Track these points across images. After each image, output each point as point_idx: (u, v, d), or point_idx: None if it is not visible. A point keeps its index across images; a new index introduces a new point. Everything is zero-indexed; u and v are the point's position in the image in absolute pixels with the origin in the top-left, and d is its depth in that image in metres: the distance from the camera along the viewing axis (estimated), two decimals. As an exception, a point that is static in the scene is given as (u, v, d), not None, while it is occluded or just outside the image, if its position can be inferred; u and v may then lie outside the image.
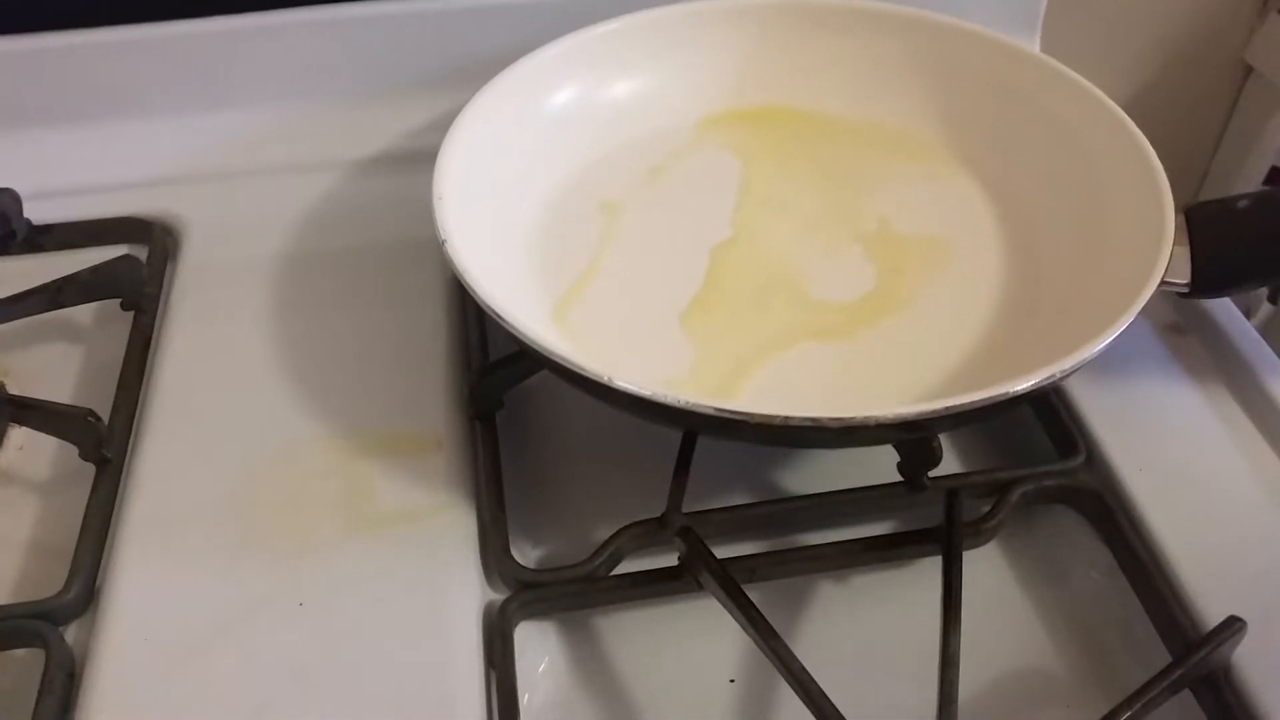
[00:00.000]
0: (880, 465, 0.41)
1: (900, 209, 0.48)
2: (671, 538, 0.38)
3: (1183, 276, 0.40)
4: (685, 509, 0.39)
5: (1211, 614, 0.36)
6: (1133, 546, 0.39)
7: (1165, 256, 0.38)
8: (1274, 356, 0.44)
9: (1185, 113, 0.81)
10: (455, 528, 0.39)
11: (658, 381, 0.35)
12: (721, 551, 0.39)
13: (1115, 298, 0.37)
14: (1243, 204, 0.42)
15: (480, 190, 0.44)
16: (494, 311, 0.36)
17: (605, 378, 0.34)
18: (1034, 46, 0.62)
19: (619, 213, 0.48)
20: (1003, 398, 0.34)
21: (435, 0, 0.53)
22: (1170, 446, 0.42)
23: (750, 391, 0.40)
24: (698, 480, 0.41)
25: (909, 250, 0.46)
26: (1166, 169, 0.86)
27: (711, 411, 0.34)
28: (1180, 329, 0.47)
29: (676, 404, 0.34)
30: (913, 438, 0.38)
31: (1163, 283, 0.38)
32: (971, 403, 0.33)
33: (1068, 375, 0.35)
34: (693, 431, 0.40)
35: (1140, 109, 0.79)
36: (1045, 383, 0.34)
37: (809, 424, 0.33)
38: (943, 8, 0.59)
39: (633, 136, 0.51)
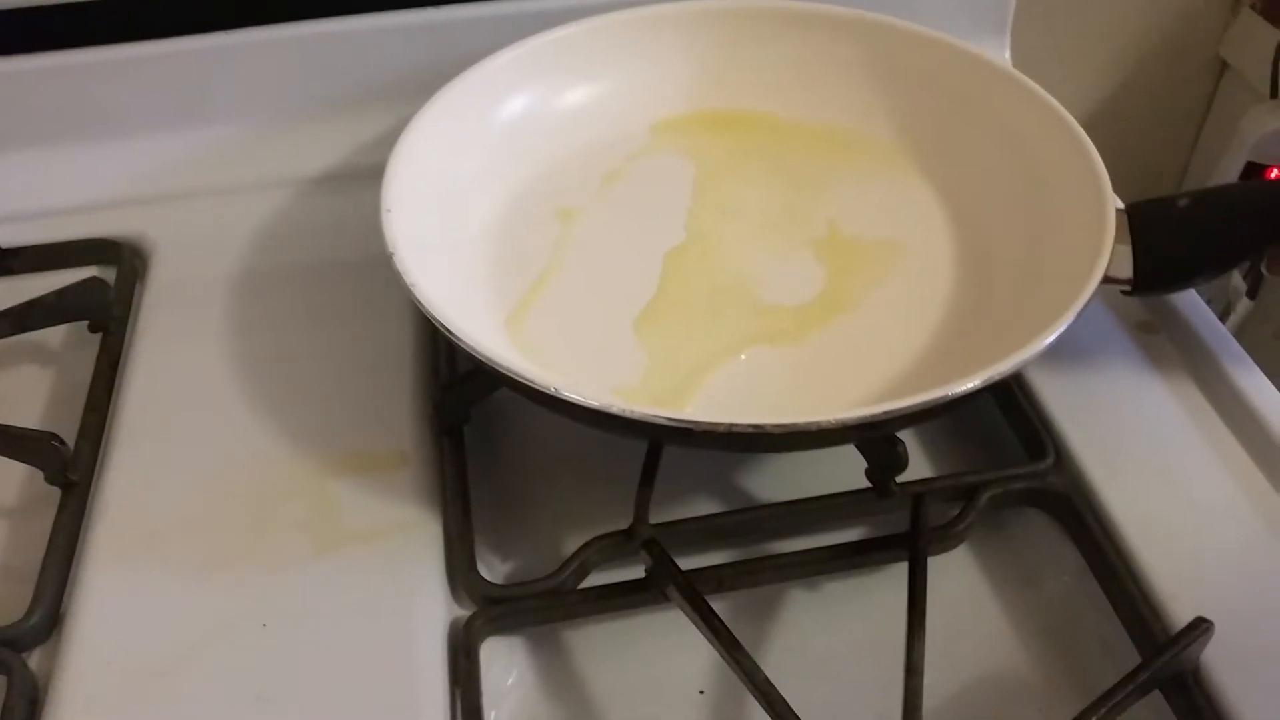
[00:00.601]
0: (851, 470, 0.40)
1: (852, 212, 0.48)
2: (638, 550, 0.37)
3: (1125, 274, 0.40)
4: (654, 519, 0.39)
5: (1181, 615, 0.36)
6: (1102, 548, 0.39)
7: (1105, 256, 0.38)
8: (1244, 354, 0.44)
9: (1163, 109, 0.82)
10: (421, 544, 0.39)
11: (610, 389, 0.35)
12: (690, 561, 0.39)
13: (1060, 296, 0.37)
14: (1183, 203, 0.42)
15: (430, 201, 0.44)
16: (439, 322, 0.36)
17: (552, 388, 0.34)
18: (1004, 48, 0.63)
19: (574, 219, 0.48)
20: (942, 400, 0.34)
21: (397, 15, 0.53)
22: (1140, 447, 0.42)
23: (701, 398, 0.40)
24: (666, 490, 0.41)
25: (859, 253, 0.46)
26: (1145, 164, 0.87)
27: (658, 420, 0.34)
28: (1151, 327, 0.47)
29: (622, 414, 0.34)
30: (863, 439, 0.37)
31: (1105, 280, 0.38)
32: (912, 406, 0.33)
33: (1006, 376, 0.35)
34: (649, 440, 0.40)
35: (1117, 106, 0.81)
36: (984, 384, 0.34)
37: (753, 430, 0.33)
38: (910, 10, 0.59)
39: (588, 142, 0.51)
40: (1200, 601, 0.36)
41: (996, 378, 0.34)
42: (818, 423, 0.33)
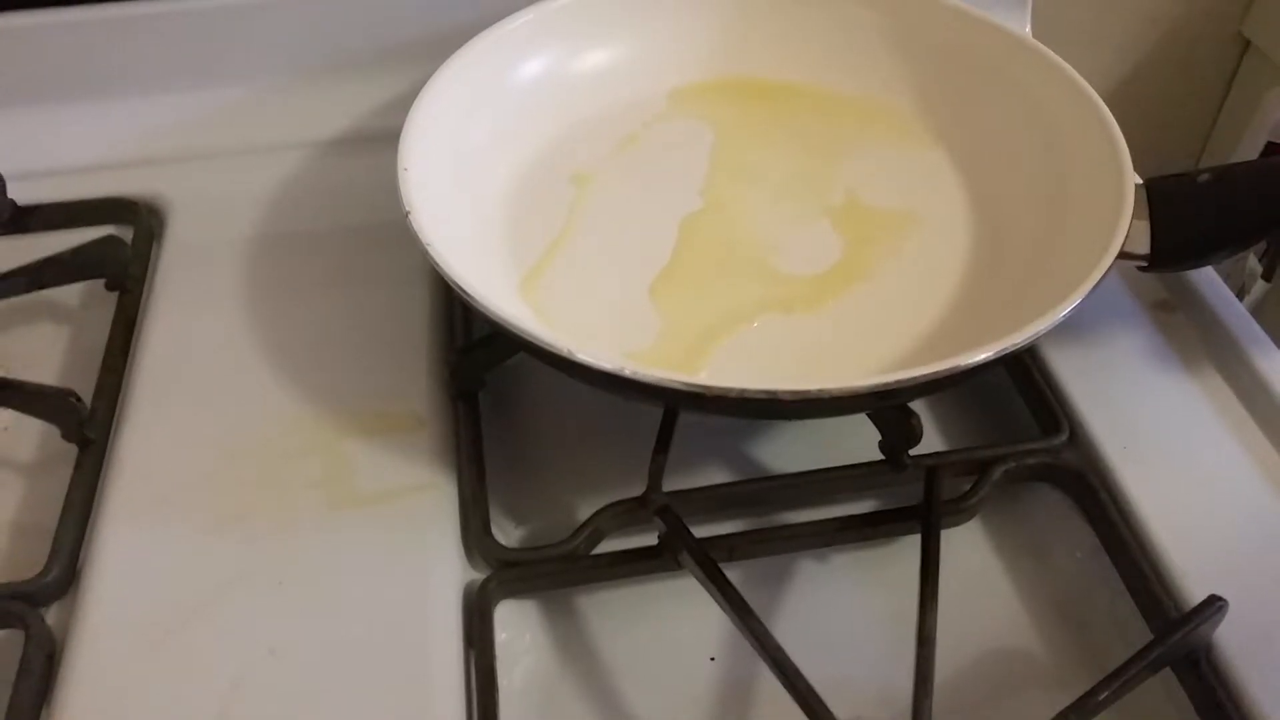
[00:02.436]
0: (864, 442, 0.40)
1: (869, 181, 0.48)
2: (651, 517, 0.38)
3: (1142, 249, 0.40)
4: (667, 488, 0.39)
5: (1194, 593, 0.36)
6: (1115, 525, 0.39)
7: (1123, 230, 0.38)
8: (1262, 334, 0.44)
9: (1183, 87, 0.81)
10: (436, 507, 0.39)
11: (623, 353, 0.34)
12: (702, 530, 0.39)
13: (1075, 270, 0.37)
14: (1204, 178, 0.41)
15: (447, 162, 0.44)
16: (455, 283, 0.36)
17: (565, 351, 0.34)
18: (1024, 22, 0.62)
19: (589, 183, 0.48)
20: (954, 371, 0.34)
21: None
22: (1155, 424, 0.42)
23: (714, 363, 0.40)
24: (680, 458, 0.41)
25: (876, 222, 0.46)
26: (1164, 141, 0.86)
27: (671, 384, 0.33)
28: (1169, 305, 0.46)
29: (634, 377, 0.34)
30: (877, 410, 0.37)
31: (1122, 256, 0.38)
32: (923, 376, 0.33)
33: (1020, 349, 0.35)
34: (664, 406, 0.40)
35: (1137, 83, 0.80)
36: (997, 355, 0.34)
37: (765, 396, 0.33)
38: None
39: (605, 106, 0.51)
40: (1214, 580, 0.36)
41: (1009, 350, 0.34)
42: (830, 390, 0.33)
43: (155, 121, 0.54)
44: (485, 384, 0.44)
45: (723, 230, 0.46)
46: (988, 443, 0.42)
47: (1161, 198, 0.41)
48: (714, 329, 0.41)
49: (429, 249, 0.37)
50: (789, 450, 0.44)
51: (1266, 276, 0.71)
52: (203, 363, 0.44)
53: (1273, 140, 0.69)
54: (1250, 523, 0.39)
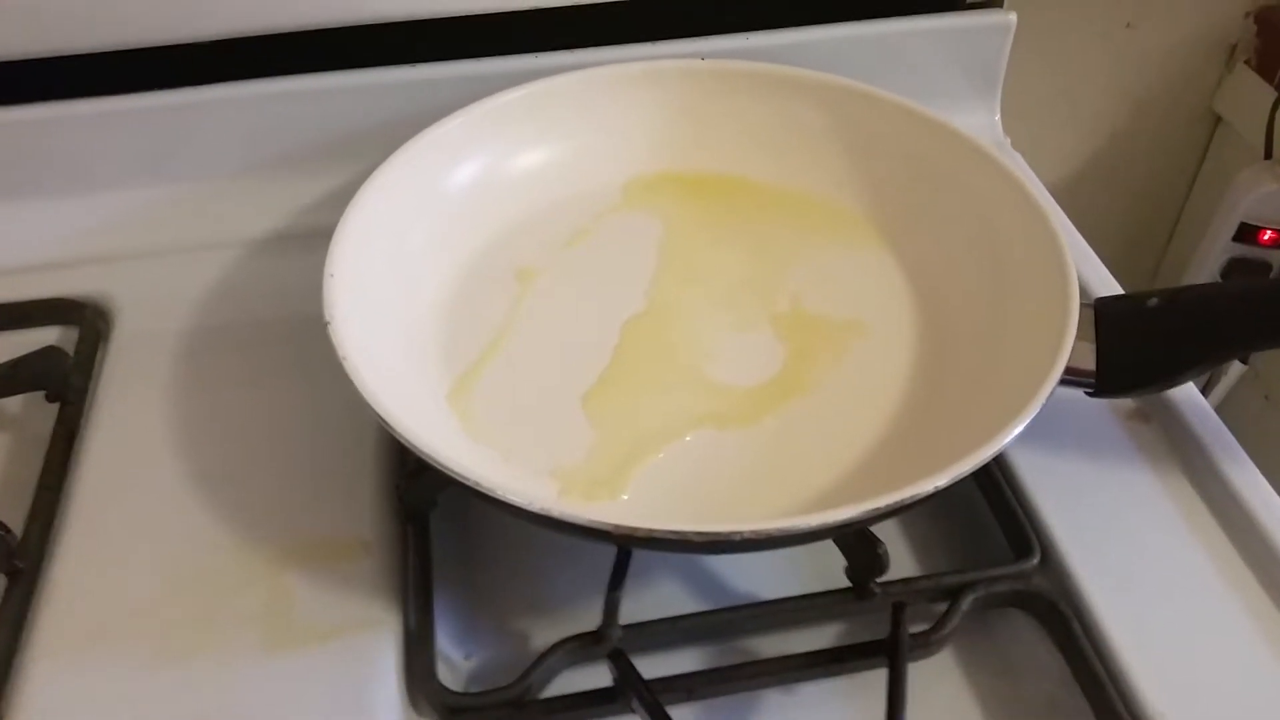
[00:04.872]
0: (840, 560, 0.39)
1: (816, 286, 0.47)
2: (604, 657, 0.36)
3: (1088, 374, 0.39)
4: (629, 616, 0.38)
5: (1169, 733, 0.35)
6: (1086, 657, 0.37)
7: (1063, 357, 0.37)
8: (1239, 448, 0.43)
9: (1157, 161, 0.81)
10: (379, 645, 0.37)
11: (551, 470, 0.33)
12: (663, 664, 0.38)
13: (1016, 395, 0.35)
14: (1152, 302, 0.40)
15: (379, 267, 0.43)
16: (365, 397, 0.35)
17: (471, 479, 0.33)
18: (994, 109, 0.61)
19: (534, 280, 0.47)
20: (869, 514, 0.32)
21: (357, 74, 0.52)
22: (1130, 547, 0.40)
23: (639, 484, 0.39)
24: (642, 586, 0.39)
25: (820, 331, 0.45)
26: (1137, 218, 0.85)
27: (577, 521, 0.32)
28: (1143, 415, 0.45)
29: (534, 510, 0.32)
30: (803, 543, 0.36)
31: (1068, 379, 0.37)
32: (835, 521, 0.32)
33: (941, 490, 0.33)
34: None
35: (1111, 158, 0.80)
36: (913, 499, 0.32)
37: (674, 537, 0.32)
38: (901, 69, 0.58)
39: (558, 198, 0.50)
40: (1187, 718, 0.35)
41: (931, 491, 0.33)
42: (741, 532, 0.31)
43: (101, 219, 0.53)
44: (437, 503, 0.42)
45: (664, 335, 0.45)
46: (957, 568, 0.40)
47: (1109, 321, 0.40)
48: (644, 444, 0.40)
49: (345, 362, 0.36)
50: (760, 570, 0.42)
51: (1243, 359, 0.70)
52: (143, 483, 0.43)
53: (1246, 221, 0.68)
54: (1227, 655, 0.37)
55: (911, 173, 0.49)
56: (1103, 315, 0.40)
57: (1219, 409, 0.74)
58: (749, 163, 0.52)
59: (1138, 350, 0.40)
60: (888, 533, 0.44)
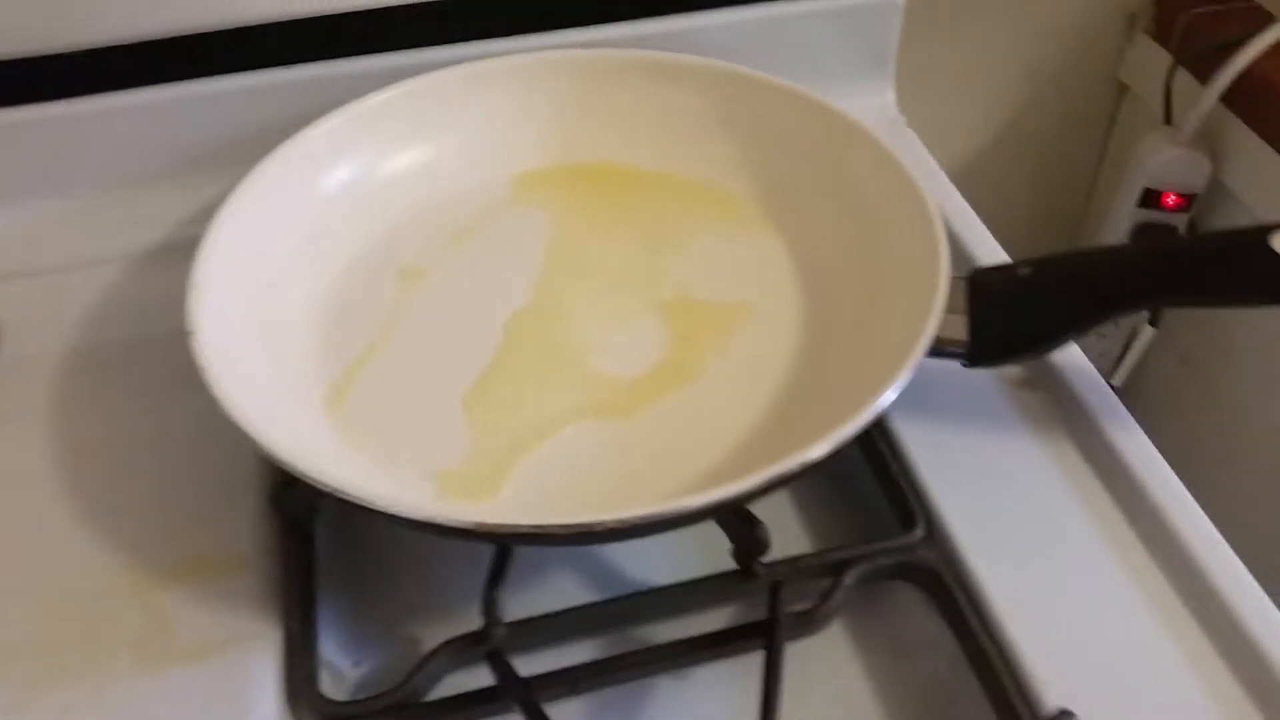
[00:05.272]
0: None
1: (703, 271, 0.46)
2: (482, 659, 0.36)
3: (961, 345, 0.39)
4: (518, 611, 0.37)
5: (1052, 700, 0.35)
6: (971, 627, 0.37)
7: (930, 330, 0.37)
8: (1126, 413, 0.43)
9: (1066, 132, 0.81)
10: (259, 659, 0.37)
11: (429, 472, 0.33)
12: (551, 658, 0.38)
13: (888, 372, 0.35)
14: (1024, 271, 0.40)
15: (249, 274, 0.42)
16: (229, 412, 0.34)
17: (330, 485, 0.32)
18: (887, 87, 0.61)
19: (416, 280, 0.46)
20: (722, 500, 0.32)
21: (235, 78, 0.51)
22: (1015, 515, 0.40)
23: (518, 480, 0.38)
24: (538, 581, 0.39)
25: (705, 316, 0.44)
26: (1051, 189, 0.86)
27: (437, 520, 0.32)
28: (1031, 383, 0.45)
29: (395, 513, 0.32)
30: (676, 528, 0.35)
31: (939, 353, 0.37)
32: (693, 506, 0.32)
33: (805, 469, 0.33)
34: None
35: (1020, 131, 0.80)
36: (773, 479, 0.32)
37: (535, 531, 0.31)
38: (788, 54, 0.58)
39: (442, 198, 0.49)
40: (1074, 687, 0.35)
41: (790, 472, 0.32)
42: (603, 522, 0.31)
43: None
44: (319, 510, 0.41)
45: (548, 329, 0.44)
46: (841, 544, 0.40)
47: (981, 291, 0.40)
48: (524, 440, 0.40)
49: (206, 374, 0.35)
50: (659, 556, 0.42)
51: (1153, 322, 0.71)
52: (18, 509, 0.42)
53: (1149, 186, 0.68)
54: (1111, 621, 0.37)
55: (793, 153, 0.49)
56: (976, 286, 0.41)
57: (1135, 374, 0.76)
58: (636, 151, 0.52)
59: (1009, 319, 0.41)
60: (782, 511, 0.44)
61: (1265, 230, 0.36)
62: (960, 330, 0.40)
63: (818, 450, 0.33)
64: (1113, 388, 0.74)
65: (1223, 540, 0.39)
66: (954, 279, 0.41)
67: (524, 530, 0.32)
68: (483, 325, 0.44)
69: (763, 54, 0.59)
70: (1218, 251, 0.38)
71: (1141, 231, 0.70)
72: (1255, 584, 0.37)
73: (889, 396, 0.34)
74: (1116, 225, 0.71)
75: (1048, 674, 0.36)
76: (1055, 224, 0.85)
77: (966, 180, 0.82)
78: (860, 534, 0.42)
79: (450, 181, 0.50)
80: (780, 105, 0.49)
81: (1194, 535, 0.39)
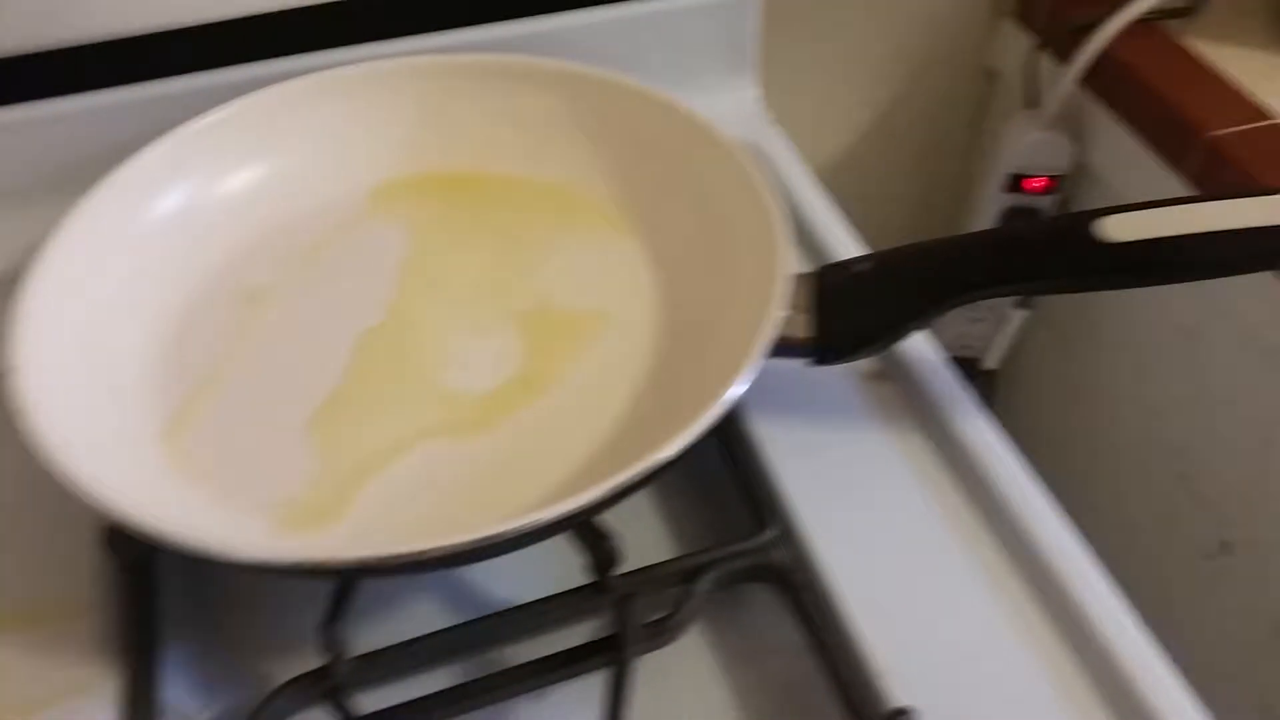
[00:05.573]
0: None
1: (560, 279, 0.46)
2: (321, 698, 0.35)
3: (808, 344, 0.40)
4: (371, 645, 0.36)
5: (898, 697, 0.35)
6: (820, 627, 0.37)
7: (765, 332, 0.37)
8: (973, 401, 0.43)
9: (940, 121, 0.82)
10: (94, 710, 0.36)
11: (270, 503, 0.32)
12: (406, 689, 0.37)
13: (727, 376, 0.35)
14: (863, 266, 0.41)
15: (78, 308, 0.41)
16: (38, 449, 0.33)
17: (153, 529, 0.31)
18: (750, 81, 0.61)
19: (263, 303, 0.45)
20: (560, 517, 0.32)
21: (90, 97, 0.49)
22: (866, 511, 0.41)
23: (363, 506, 0.38)
24: (383, 607, 0.38)
25: (561, 325, 0.44)
26: (928, 178, 0.87)
27: (264, 561, 0.31)
28: (883, 376, 0.46)
29: (217, 555, 0.31)
30: (516, 549, 0.35)
31: (786, 349, 0.38)
32: (527, 526, 0.31)
33: (647, 478, 0.33)
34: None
35: (895, 121, 0.81)
36: (613, 492, 0.32)
37: (361, 565, 0.31)
38: (649, 55, 0.58)
39: (294, 215, 0.48)
40: (920, 684, 0.35)
41: (622, 485, 0.32)
42: (432, 550, 0.31)
43: None
44: (158, 549, 0.40)
45: (399, 347, 0.43)
46: (699, 548, 0.40)
47: (826, 288, 0.40)
48: (369, 464, 0.39)
49: (19, 415, 0.34)
50: (518, 571, 0.41)
51: (1025, 304, 0.72)
52: None
53: (1013, 171, 0.70)
54: (958, 618, 0.38)
55: (644, 154, 0.48)
56: (821, 283, 0.41)
57: (1013, 357, 0.77)
58: (493, 158, 0.51)
59: (852, 314, 0.41)
60: (646, 518, 0.44)
61: (1089, 216, 0.37)
62: (807, 328, 0.40)
63: (652, 460, 0.33)
64: (989, 371, 0.76)
65: (1070, 532, 0.39)
66: (799, 277, 0.41)
67: (351, 564, 0.31)
68: (332, 346, 0.43)
69: (627, 55, 0.58)
70: (1044, 239, 0.39)
71: (1010, 216, 0.72)
72: (1102, 578, 0.38)
73: (718, 409, 0.34)
74: (986, 211, 0.72)
75: (893, 670, 0.36)
76: (937, 212, 0.86)
77: (846, 172, 0.83)
78: (723, 537, 0.42)
79: (302, 198, 0.49)
80: (628, 106, 0.49)
81: (1040, 527, 0.39)
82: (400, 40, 0.54)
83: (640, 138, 0.49)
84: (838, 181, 0.82)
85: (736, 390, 0.35)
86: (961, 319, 0.73)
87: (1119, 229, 0.37)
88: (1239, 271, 0.38)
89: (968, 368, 0.75)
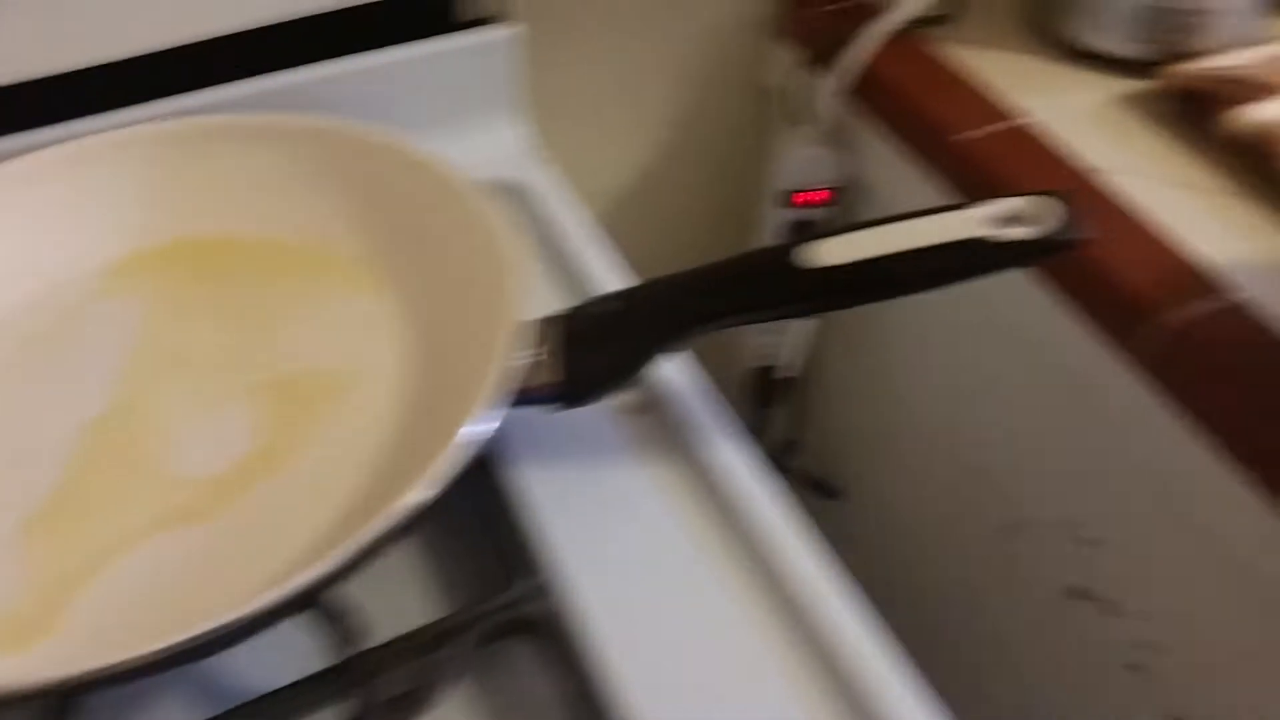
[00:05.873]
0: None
1: (303, 343, 0.44)
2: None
3: (557, 389, 0.39)
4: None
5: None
6: (580, 677, 0.37)
7: (495, 383, 0.36)
8: (732, 426, 0.43)
9: (723, 141, 0.83)
10: None
11: None
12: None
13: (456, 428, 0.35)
14: (611, 305, 0.41)
15: None
16: None
17: None
18: (519, 119, 0.61)
19: None
20: (276, 604, 0.30)
21: None
22: (625, 551, 0.40)
23: (79, 614, 0.35)
24: (123, 706, 0.35)
25: (304, 393, 0.42)
26: (719, 201, 0.88)
27: None
28: (642, 408, 0.46)
29: None
30: (236, 644, 0.33)
31: (530, 398, 0.37)
32: (211, 630, 0.30)
33: (359, 559, 0.32)
34: None
35: (682, 144, 0.82)
36: (335, 571, 0.31)
37: (41, 687, 0.29)
38: (408, 102, 0.57)
39: (15, 301, 0.46)
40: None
41: (328, 574, 0.31)
42: (118, 665, 0.29)
43: None
44: None
45: (126, 435, 0.41)
46: (456, 609, 0.39)
47: (573, 330, 0.40)
48: (88, 566, 0.36)
49: None
50: (273, 655, 0.39)
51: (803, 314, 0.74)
52: None
53: (787, 188, 0.71)
54: (716, 654, 0.37)
55: (386, 206, 0.47)
56: (569, 325, 0.40)
57: (812, 363, 0.79)
58: (238, 221, 0.49)
59: (601, 353, 0.41)
60: (405, 581, 0.43)
61: (787, 247, 0.37)
62: (553, 371, 0.40)
63: (370, 532, 0.32)
64: (790, 377, 0.77)
65: (818, 554, 0.39)
66: (546, 320, 0.41)
67: (36, 688, 0.29)
68: (52, 441, 0.41)
69: (386, 103, 0.57)
70: (752, 271, 0.39)
71: (792, 231, 0.73)
72: (851, 604, 0.38)
73: (440, 470, 0.33)
74: (765, 228, 0.74)
75: (652, 716, 0.35)
76: (730, 233, 0.87)
77: (636, 198, 0.83)
78: (484, 593, 0.41)
79: (24, 282, 0.46)
80: (366, 156, 0.48)
81: (797, 557, 0.39)
82: (130, 110, 0.52)
83: (380, 188, 0.47)
84: (627, 209, 0.83)
85: (463, 447, 0.34)
86: (755, 331, 0.75)
87: (830, 253, 0.38)
88: (952, 283, 0.40)
89: (768, 375, 0.77)
